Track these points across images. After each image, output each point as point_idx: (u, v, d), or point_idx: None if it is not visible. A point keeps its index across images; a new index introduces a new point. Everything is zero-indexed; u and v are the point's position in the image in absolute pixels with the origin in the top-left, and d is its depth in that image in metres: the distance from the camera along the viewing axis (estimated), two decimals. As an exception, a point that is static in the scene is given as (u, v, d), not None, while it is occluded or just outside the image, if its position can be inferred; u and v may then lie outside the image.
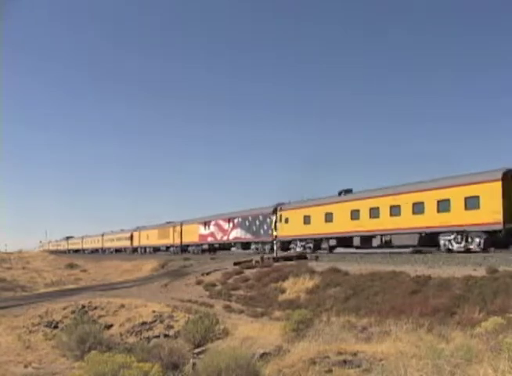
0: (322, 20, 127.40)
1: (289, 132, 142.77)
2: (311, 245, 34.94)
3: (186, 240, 54.85)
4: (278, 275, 24.22)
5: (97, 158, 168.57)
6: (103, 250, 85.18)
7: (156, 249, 64.68)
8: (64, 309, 18.09)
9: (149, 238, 66.29)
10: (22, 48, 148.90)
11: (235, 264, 30.14)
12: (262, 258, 30.25)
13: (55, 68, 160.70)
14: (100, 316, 17.08)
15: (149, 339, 14.02)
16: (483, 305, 13.87)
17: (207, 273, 28.98)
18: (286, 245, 37.33)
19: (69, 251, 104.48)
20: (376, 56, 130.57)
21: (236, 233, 44.71)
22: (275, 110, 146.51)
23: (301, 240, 35.90)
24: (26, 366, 11.77)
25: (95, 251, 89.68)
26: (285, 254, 33.42)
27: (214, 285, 25.37)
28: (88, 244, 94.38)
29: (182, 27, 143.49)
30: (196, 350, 11.48)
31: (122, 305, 18.12)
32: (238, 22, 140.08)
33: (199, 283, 26.72)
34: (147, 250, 67.33)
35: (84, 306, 18.17)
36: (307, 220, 35.58)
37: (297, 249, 35.43)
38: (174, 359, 9.09)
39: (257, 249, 41.23)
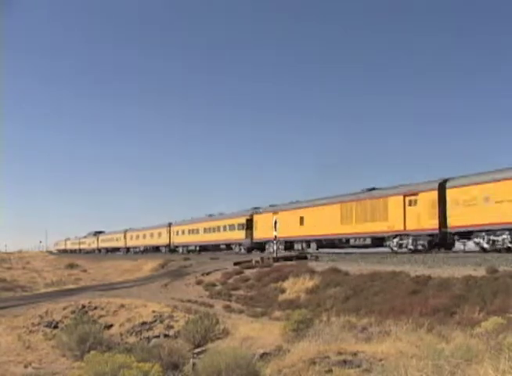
0: (322, 20, 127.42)
1: (289, 132, 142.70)
2: None
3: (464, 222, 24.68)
4: (278, 275, 24.22)
5: (97, 158, 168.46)
6: (173, 248, 57.88)
7: (322, 244, 34.41)
8: (64, 309, 18.06)
9: (308, 224, 35.28)
10: (22, 47, 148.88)
11: (235, 264, 30.17)
12: (262, 258, 30.31)
13: (56, 68, 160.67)
14: (100, 316, 17.06)
15: (149, 339, 14.02)
16: (483, 305, 13.87)
17: (207, 273, 28.98)
18: None
19: (99, 250, 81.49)
20: (376, 56, 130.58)
21: None
22: (276, 109, 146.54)
23: None
24: (26, 367, 11.75)
25: (152, 249, 62.87)
26: (285, 254, 33.39)
27: (214, 285, 25.37)
28: (139, 241, 67.61)
29: (182, 26, 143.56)
30: (196, 350, 11.48)
31: (122, 305, 18.10)
32: (238, 22, 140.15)
33: (199, 283, 26.71)
34: (296, 246, 36.54)
35: (84, 306, 18.15)
36: None
37: None
38: (174, 359, 9.10)
39: None
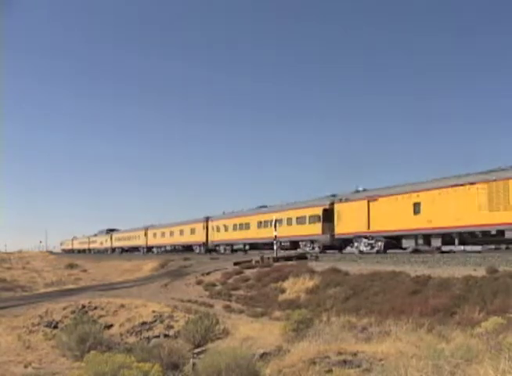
0: (322, 20, 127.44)
1: (289, 132, 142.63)
2: None
3: None
4: (278, 275, 24.23)
5: (97, 158, 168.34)
6: (211, 247, 47.70)
7: (450, 239, 24.48)
8: (64, 309, 18.06)
9: (428, 212, 25.47)
10: (22, 47, 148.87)
11: (235, 264, 30.17)
12: (262, 258, 30.29)
13: (55, 68, 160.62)
14: (100, 316, 17.06)
15: (149, 339, 14.03)
16: (483, 305, 13.87)
17: (207, 273, 28.97)
18: None
19: (113, 249, 72.89)
20: (376, 56, 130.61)
21: None
22: (276, 109, 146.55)
23: None
24: (26, 367, 11.75)
25: (181, 248, 53.19)
26: (286, 254, 33.34)
27: (214, 285, 25.36)
28: (165, 239, 57.43)
29: (182, 26, 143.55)
30: (196, 350, 11.49)
31: (122, 305, 18.09)
32: (238, 21, 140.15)
33: (199, 283, 26.70)
34: (406, 243, 27.21)
35: (84, 306, 18.15)
36: None
37: None
38: (174, 359, 9.10)
39: None
